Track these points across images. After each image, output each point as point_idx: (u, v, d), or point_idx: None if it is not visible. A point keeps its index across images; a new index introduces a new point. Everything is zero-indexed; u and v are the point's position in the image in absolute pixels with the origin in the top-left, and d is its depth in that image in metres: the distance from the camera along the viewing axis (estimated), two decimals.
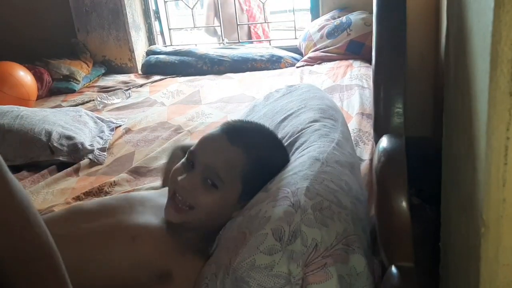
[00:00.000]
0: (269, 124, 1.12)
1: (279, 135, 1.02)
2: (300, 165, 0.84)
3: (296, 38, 2.64)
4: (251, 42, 2.94)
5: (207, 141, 0.85)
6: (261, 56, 2.41)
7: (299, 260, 0.67)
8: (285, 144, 0.99)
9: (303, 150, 0.92)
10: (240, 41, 2.78)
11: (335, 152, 0.89)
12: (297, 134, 1.00)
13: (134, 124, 1.80)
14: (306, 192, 0.74)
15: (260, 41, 3.00)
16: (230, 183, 0.81)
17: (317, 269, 0.67)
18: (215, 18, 3.09)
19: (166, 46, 2.76)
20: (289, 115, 1.11)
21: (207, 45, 2.80)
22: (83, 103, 2.15)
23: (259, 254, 0.68)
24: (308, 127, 1.01)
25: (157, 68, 2.51)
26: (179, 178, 0.82)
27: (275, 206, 0.73)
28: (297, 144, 0.97)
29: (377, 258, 0.79)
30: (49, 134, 1.55)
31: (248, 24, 3.11)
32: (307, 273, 0.67)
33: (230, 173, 0.81)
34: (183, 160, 0.86)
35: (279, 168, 0.86)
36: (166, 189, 0.89)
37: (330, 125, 1.01)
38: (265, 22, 3.23)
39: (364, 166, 1.21)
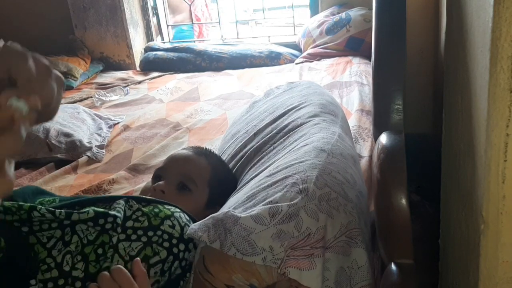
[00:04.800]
0: (269, 118, 1.13)
1: (278, 128, 1.05)
2: (306, 154, 0.84)
3: (295, 35, 2.63)
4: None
5: (175, 156, 0.98)
6: (260, 52, 2.40)
7: (286, 241, 0.67)
8: (285, 136, 1.00)
9: (304, 140, 0.92)
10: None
11: (338, 145, 0.89)
12: (297, 128, 1.00)
13: (133, 121, 1.79)
14: (315, 181, 0.74)
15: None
16: (201, 186, 0.92)
17: (303, 256, 0.67)
18: None
19: (164, 43, 2.75)
20: (289, 110, 1.11)
21: (205, 42, 2.79)
22: (81, 100, 2.14)
23: (247, 216, 0.69)
24: (308, 121, 1.01)
25: (156, 64, 2.50)
26: (154, 185, 0.90)
27: (282, 191, 0.74)
28: (296, 136, 0.97)
29: (376, 253, 0.80)
30: (47, 131, 1.54)
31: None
32: (290, 256, 0.67)
33: (200, 178, 0.92)
34: (148, 180, 0.97)
35: (232, 185, 0.97)
36: None
37: (330, 120, 1.02)
38: (264, 19, 3.22)
39: (363, 163, 1.21)
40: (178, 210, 0.81)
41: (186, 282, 0.76)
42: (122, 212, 0.74)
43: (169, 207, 0.81)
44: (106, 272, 0.62)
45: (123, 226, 0.73)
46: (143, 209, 0.77)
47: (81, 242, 0.71)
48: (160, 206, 0.79)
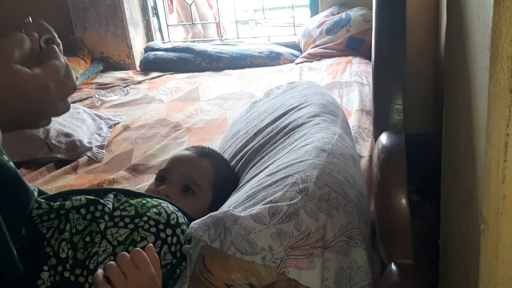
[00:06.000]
0: (269, 118, 1.13)
1: (278, 128, 1.05)
2: (306, 153, 0.84)
3: (295, 35, 2.63)
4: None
5: (179, 158, 0.98)
6: (260, 52, 2.40)
7: (285, 240, 0.67)
8: (285, 136, 1.00)
9: (305, 140, 0.92)
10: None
11: (339, 145, 0.89)
12: (297, 128, 1.00)
13: (133, 121, 1.79)
14: (315, 181, 0.74)
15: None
16: (205, 190, 0.92)
17: (302, 255, 0.67)
18: None
19: (164, 43, 2.75)
20: (289, 110, 1.11)
21: (205, 42, 2.79)
22: (81, 100, 2.14)
23: (247, 216, 0.69)
24: (309, 121, 1.01)
25: (156, 64, 2.50)
26: (158, 188, 0.90)
27: (282, 191, 0.74)
28: (296, 136, 0.97)
29: (376, 253, 0.80)
30: (47, 131, 1.54)
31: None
32: (290, 256, 0.67)
33: (204, 181, 0.92)
34: (152, 182, 0.97)
35: (235, 186, 0.96)
36: None
37: (330, 120, 1.02)
38: (264, 19, 3.22)
39: (363, 162, 1.21)
40: (167, 202, 0.82)
41: (182, 270, 0.77)
42: (111, 204, 0.77)
43: (157, 199, 0.82)
44: (125, 253, 0.64)
45: (111, 215, 0.76)
46: (130, 201, 0.79)
47: (71, 231, 0.73)
48: (148, 199, 0.81)
